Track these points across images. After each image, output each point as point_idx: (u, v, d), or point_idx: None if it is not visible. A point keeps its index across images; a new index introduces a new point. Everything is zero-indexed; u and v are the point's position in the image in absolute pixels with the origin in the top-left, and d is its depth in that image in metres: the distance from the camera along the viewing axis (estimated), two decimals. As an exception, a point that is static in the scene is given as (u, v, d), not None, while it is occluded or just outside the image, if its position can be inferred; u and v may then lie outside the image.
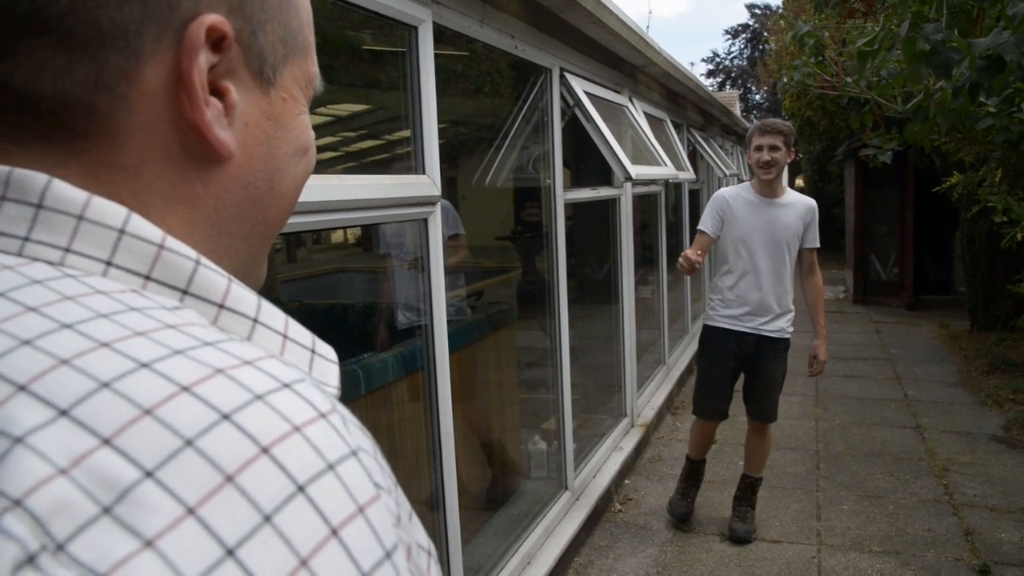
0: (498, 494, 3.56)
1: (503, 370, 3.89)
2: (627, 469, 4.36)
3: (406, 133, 2.31)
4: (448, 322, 2.42)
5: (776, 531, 3.67)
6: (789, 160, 3.43)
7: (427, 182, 2.27)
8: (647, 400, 5.25)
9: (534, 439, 3.80)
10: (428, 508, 2.57)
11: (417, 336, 2.55)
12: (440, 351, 2.38)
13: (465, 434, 3.38)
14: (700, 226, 3.56)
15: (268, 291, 4.66)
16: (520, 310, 4.71)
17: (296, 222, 1.73)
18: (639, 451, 4.64)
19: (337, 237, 7.63)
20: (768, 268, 3.43)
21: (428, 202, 2.28)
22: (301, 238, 6.66)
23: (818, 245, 3.52)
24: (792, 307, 3.53)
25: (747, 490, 3.71)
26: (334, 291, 6.28)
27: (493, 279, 6.02)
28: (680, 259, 3.23)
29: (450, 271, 2.62)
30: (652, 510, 3.94)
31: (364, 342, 3.66)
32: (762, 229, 3.42)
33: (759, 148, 3.38)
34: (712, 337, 3.62)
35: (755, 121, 4.13)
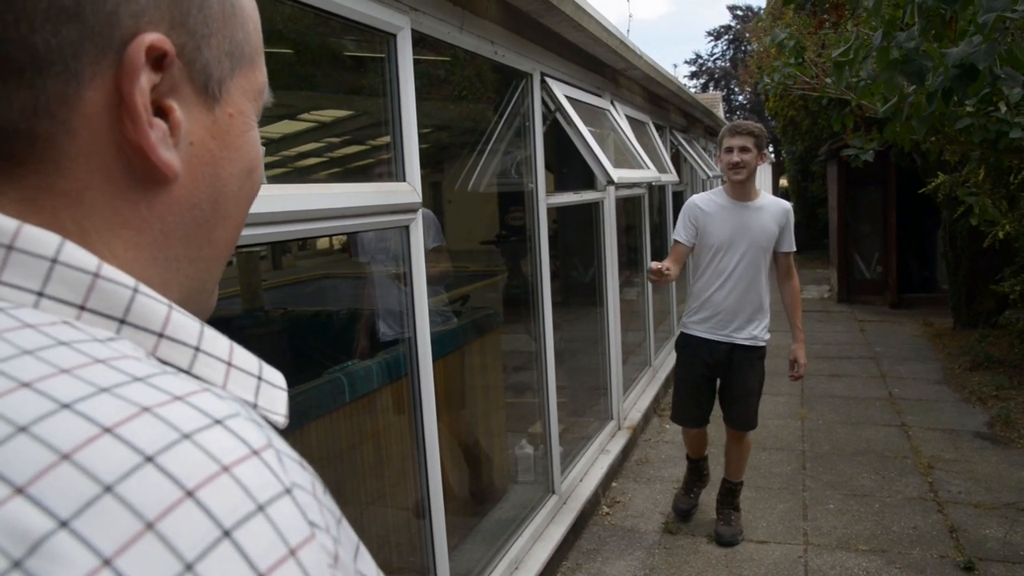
0: (483, 499, 3.55)
1: (489, 374, 3.88)
2: (614, 472, 4.36)
3: (387, 139, 2.30)
4: (432, 329, 2.41)
5: (763, 531, 3.68)
6: (760, 163, 3.40)
7: (408, 189, 2.26)
8: (633, 402, 5.25)
9: (520, 443, 3.79)
10: (414, 514, 2.56)
11: (401, 343, 2.54)
12: (424, 356, 2.37)
13: (451, 440, 3.37)
14: (675, 236, 3.53)
15: (252, 298, 4.64)
16: (506, 314, 4.70)
17: (276, 232, 1.72)
18: (626, 454, 4.64)
19: (322, 243, 7.60)
20: (743, 273, 3.40)
21: (409, 209, 2.27)
22: (286, 245, 6.63)
23: (794, 249, 3.50)
24: (767, 312, 3.51)
25: (728, 494, 3.72)
26: (319, 298, 6.25)
27: (479, 283, 6.01)
28: (648, 271, 3.23)
29: (433, 281, 2.62)
30: (640, 513, 3.94)
31: (348, 349, 3.64)
32: (737, 233, 3.39)
33: (729, 149, 3.35)
34: (685, 345, 3.62)
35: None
